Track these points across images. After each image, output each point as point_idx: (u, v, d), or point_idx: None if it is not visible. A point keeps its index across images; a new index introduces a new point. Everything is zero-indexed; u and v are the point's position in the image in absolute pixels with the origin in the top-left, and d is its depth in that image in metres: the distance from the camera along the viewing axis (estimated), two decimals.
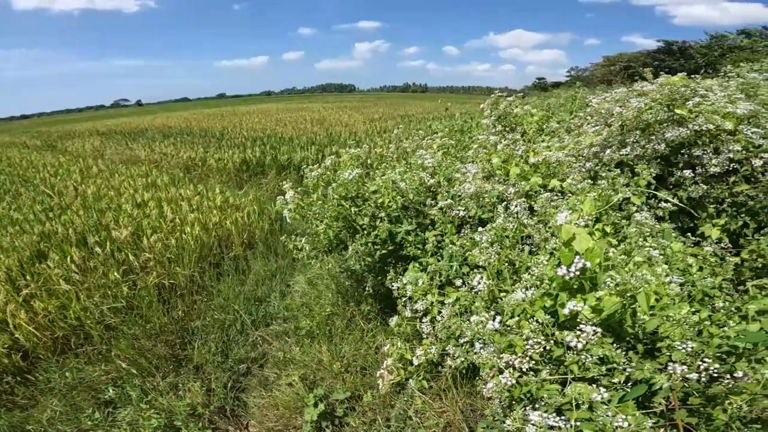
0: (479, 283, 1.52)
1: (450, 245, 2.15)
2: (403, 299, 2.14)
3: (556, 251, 1.13)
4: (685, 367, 1.01)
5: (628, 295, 0.97)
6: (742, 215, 1.99)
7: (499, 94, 3.60)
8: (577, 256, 0.99)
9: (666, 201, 2.05)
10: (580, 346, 1.00)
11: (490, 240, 1.65)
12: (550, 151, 2.72)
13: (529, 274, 1.18)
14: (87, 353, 3.13)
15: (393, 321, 2.19)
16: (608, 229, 1.96)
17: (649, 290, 0.94)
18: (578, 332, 1.03)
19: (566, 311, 1.07)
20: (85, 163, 9.39)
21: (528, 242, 1.99)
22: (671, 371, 1.02)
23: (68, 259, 3.91)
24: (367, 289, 2.82)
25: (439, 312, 1.98)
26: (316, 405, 2.49)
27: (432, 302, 2.08)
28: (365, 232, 2.37)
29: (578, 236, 1.01)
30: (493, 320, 1.12)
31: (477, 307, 1.40)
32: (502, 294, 1.45)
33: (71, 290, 3.46)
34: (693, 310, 1.43)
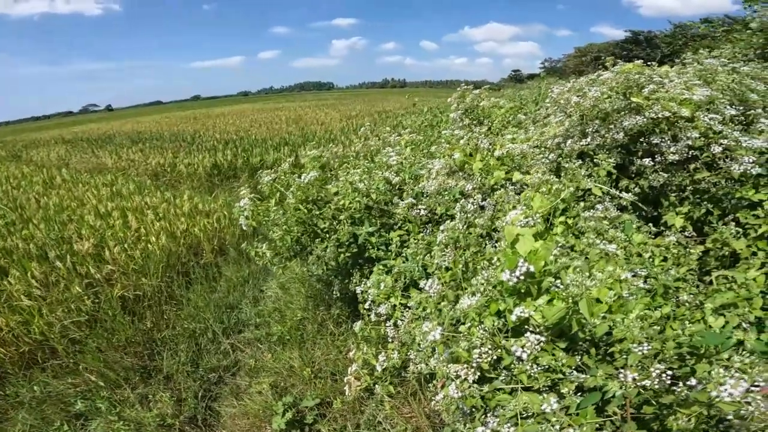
0: (431, 288, 1.45)
1: (413, 244, 2.08)
2: (366, 303, 2.06)
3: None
4: (636, 373, 0.96)
5: (571, 301, 0.91)
6: (705, 203, 1.97)
7: (465, 87, 3.54)
8: (521, 260, 0.93)
9: (627, 191, 2.03)
10: (524, 356, 0.94)
11: (445, 241, 1.58)
12: (515, 143, 2.68)
13: (478, 278, 1.11)
14: (54, 367, 3.08)
15: (357, 326, 2.11)
16: (570, 222, 1.93)
17: (590, 295, 0.88)
18: (523, 341, 0.97)
19: (514, 317, 1.00)
20: (49, 174, 8.97)
21: (494, 241, 1.94)
22: (623, 378, 0.97)
23: (29, 274, 3.77)
24: (334, 293, 2.73)
25: (402, 315, 1.91)
26: (284, 413, 2.43)
27: (395, 305, 2.01)
28: (327, 235, 2.28)
29: (522, 238, 0.94)
30: (439, 328, 1.04)
31: (429, 313, 1.33)
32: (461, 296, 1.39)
33: (33, 306, 3.37)
34: (655, 305, 1.40)
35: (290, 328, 3.27)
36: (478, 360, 1.08)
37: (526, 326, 1.05)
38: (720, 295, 1.30)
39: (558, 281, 0.99)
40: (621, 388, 0.95)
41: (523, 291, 1.02)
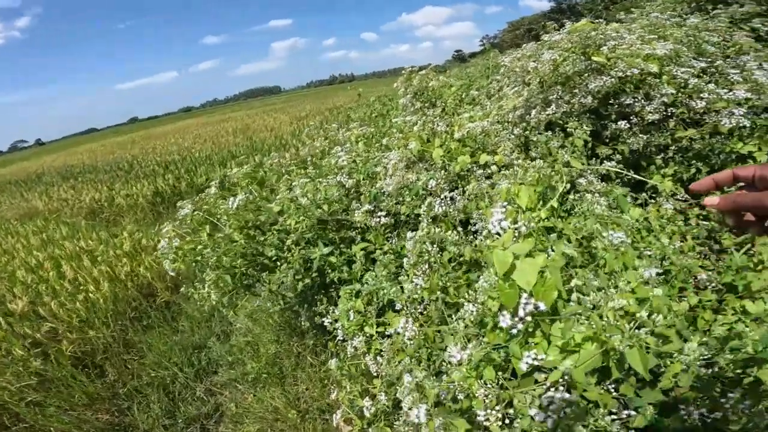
0: (405, 329, 1.14)
1: (380, 258, 1.76)
2: (338, 337, 1.73)
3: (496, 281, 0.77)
4: (697, 408, 0.69)
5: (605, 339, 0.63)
6: (692, 161, 1.79)
7: (410, 68, 3.23)
8: (525, 295, 0.63)
9: (608, 159, 1.80)
10: (550, 423, 0.65)
11: (413, 261, 1.27)
12: (474, 121, 2.41)
13: (460, 321, 0.82)
14: (23, 431, 2.86)
15: (333, 364, 1.78)
16: (555, 204, 1.68)
17: (641, 341, 0.60)
18: (546, 400, 0.67)
19: (523, 366, 0.71)
20: None
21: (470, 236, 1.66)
22: (684, 415, 0.70)
23: None
24: (302, 324, 2.38)
25: (382, 346, 1.60)
26: None
27: (372, 335, 1.69)
28: (276, 264, 1.91)
29: (520, 266, 0.65)
30: (423, 407, 0.74)
31: (407, 364, 1.02)
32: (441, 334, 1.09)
33: None
34: (676, 294, 1.17)
35: (266, 363, 2.99)
36: (485, 423, 0.79)
37: (543, 368, 0.77)
38: (750, 275, 1.07)
39: (578, 309, 0.70)
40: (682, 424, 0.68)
41: (531, 330, 0.73)
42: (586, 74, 2.02)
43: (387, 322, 1.66)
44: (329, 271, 1.88)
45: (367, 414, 1.61)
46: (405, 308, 1.23)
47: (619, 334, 0.60)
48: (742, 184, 0.52)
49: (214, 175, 7.61)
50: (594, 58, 1.92)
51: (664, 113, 1.88)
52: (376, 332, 1.67)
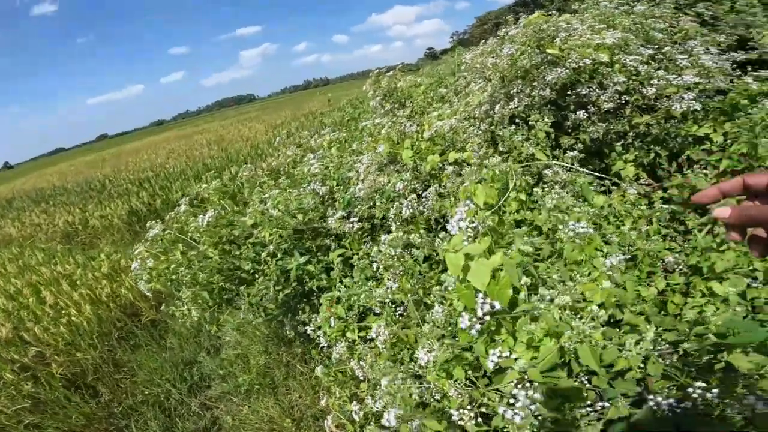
0: (378, 334, 1.15)
1: (356, 263, 1.77)
2: (321, 344, 1.74)
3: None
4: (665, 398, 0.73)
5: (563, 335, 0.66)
6: (651, 146, 1.86)
7: (378, 70, 3.24)
8: (480, 295, 0.65)
9: (571, 149, 1.86)
10: (518, 419, 0.67)
11: (383, 266, 1.28)
12: (443, 119, 2.44)
13: (429, 324, 0.84)
14: None
15: (319, 371, 1.78)
16: (523, 197, 1.72)
17: (589, 337, 0.63)
18: (510, 400, 0.70)
19: (491, 364, 0.73)
20: None
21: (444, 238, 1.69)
22: (653, 405, 0.74)
23: None
24: (287, 333, 2.37)
25: (365, 350, 1.61)
26: None
27: (354, 340, 1.70)
28: (254, 278, 1.90)
29: (474, 267, 0.67)
30: (392, 411, 0.75)
31: (382, 369, 1.03)
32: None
33: None
34: (645, 279, 1.21)
35: (257, 375, 3.00)
36: (459, 422, 0.81)
37: (510, 366, 0.79)
38: (714, 255, 1.12)
39: (538, 303, 0.73)
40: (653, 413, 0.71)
41: (494, 328, 0.75)
42: (543, 67, 2.07)
43: (369, 326, 1.67)
44: (308, 279, 1.88)
45: (356, 418, 1.62)
46: (381, 312, 1.24)
47: (569, 330, 0.63)
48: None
49: (190, 190, 7.46)
50: (548, 51, 1.97)
51: (619, 101, 1.95)
52: (358, 337, 1.69)
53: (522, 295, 0.76)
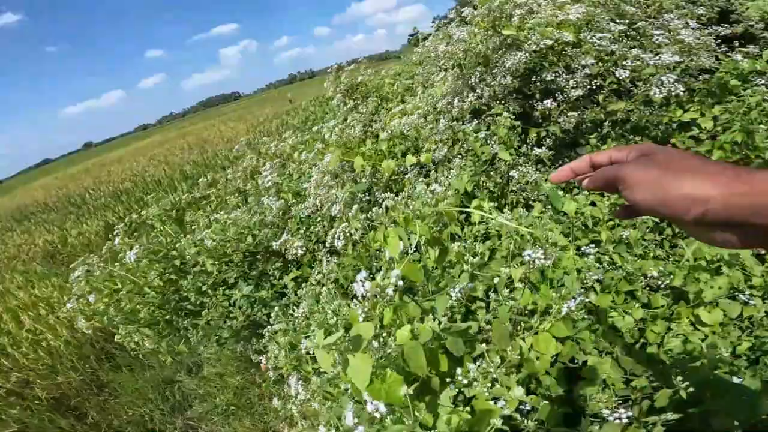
0: (297, 393, 0.99)
1: (308, 288, 1.59)
2: (270, 380, 1.58)
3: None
4: None
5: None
6: (631, 135, 1.67)
7: (337, 66, 3.02)
8: (366, 395, 0.48)
9: (539, 144, 1.68)
10: None
11: (305, 311, 1.10)
12: (405, 115, 2.25)
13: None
14: None
15: (275, 403, 1.63)
16: (483, 203, 1.54)
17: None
18: None
19: None
20: None
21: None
22: None
23: None
24: (252, 358, 2.21)
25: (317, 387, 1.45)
26: None
27: (306, 376, 1.53)
28: (200, 308, 1.72)
29: (353, 362, 0.49)
30: None
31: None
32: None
33: None
34: (622, 305, 1.04)
35: (234, 395, 2.92)
36: None
37: None
38: (702, 278, 0.95)
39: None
40: None
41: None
42: (502, 50, 1.86)
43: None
44: (257, 307, 1.71)
45: None
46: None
47: None
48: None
49: (165, 201, 7.23)
50: (504, 32, 1.76)
51: (590, 86, 1.76)
52: (312, 369, 1.53)
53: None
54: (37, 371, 3.65)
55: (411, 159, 1.85)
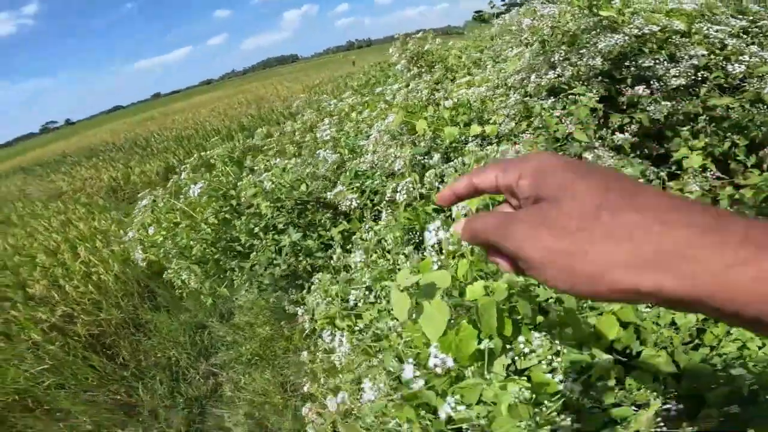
0: (341, 344, 0.99)
1: (359, 241, 1.60)
2: (305, 332, 1.62)
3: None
4: None
5: None
6: (728, 133, 1.50)
7: (405, 33, 2.94)
8: (433, 347, 0.46)
9: (621, 130, 1.54)
10: None
11: (362, 259, 1.09)
12: (472, 86, 2.15)
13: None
14: (46, 413, 2.91)
15: (303, 356, 1.68)
16: None
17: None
18: None
19: (442, 415, 0.54)
20: (5, 212, 8.32)
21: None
22: None
23: None
24: (287, 309, 2.28)
25: (350, 342, 1.47)
26: None
27: (343, 329, 1.56)
28: (249, 251, 1.79)
29: (428, 310, 0.47)
30: None
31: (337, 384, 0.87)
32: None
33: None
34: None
35: (260, 346, 2.98)
36: None
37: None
38: None
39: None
40: None
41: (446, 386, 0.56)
42: (596, 32, 1.72)
43: (359, 315, 1.53)
44: (302, 257, 1.74)
45: (333, 410, 1.52)
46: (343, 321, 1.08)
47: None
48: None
49: (226, 146, 7.53)
50: (602, 13, 1.63)
51: (694, 78, 1.59)
52: (347, 326, 1.55)
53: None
54: (83, 306, 3.73)
55: (475, 128, 1.77)
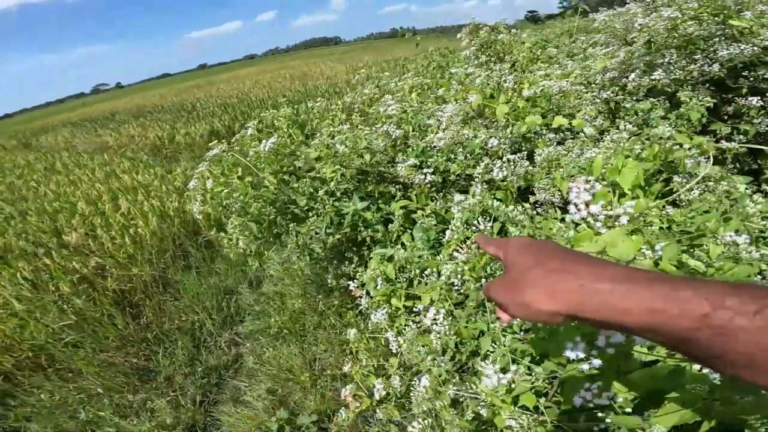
0: (434, 322, 0.93)
1: (422, 219, 1.54)
2: (359, 308, 1.57)
3: None
4: None
5: None
6: None
7: (475, 19, 2.83)
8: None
9: (728, 139, 1.42)
10: None
11: (456, 232, 1.02)
12: (550, 79, 2.03)
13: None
14: (58, 372, 2.83)
15: (351, 335, 1.64)
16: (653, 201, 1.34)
17: None
18: None
19: (578, 401, 0.47)
20: (51, 160, 8.66)
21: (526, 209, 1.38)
22: None
23: (18, 275, 3.45)
24: (329, 282, 2.25)
25: (407, 323, 1.42)
26: (279, 430, 2.07)
27: (398, 308, 1.51)
28: (307, 215, 1.76)
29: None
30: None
31: (427, 365, 0.81)
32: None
33: (22, 310, 3.08)
34: None
35: (289, 318, 2.87)
36: None
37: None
38: None
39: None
40: None
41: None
42: (717, 39, 1.60)
43: (418, 296, 1.47)
44: (362, 228, 1.70)
45: (376, 396, 1.47)
46: (438, 296, 1.02)
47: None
48: None
49: (267, 117, 7.60)
50: (732, 22, 1.52)
51: None
52: (404, 306, 1.49)
53: None
54: (117, 258, 3.68)
55: (560, 120, 1.67)
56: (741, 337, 0.28)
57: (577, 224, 0.71)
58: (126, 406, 2.53)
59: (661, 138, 1.24)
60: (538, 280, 0.40)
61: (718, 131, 1.55)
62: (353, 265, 1.91)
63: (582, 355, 0.49)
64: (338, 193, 1.78)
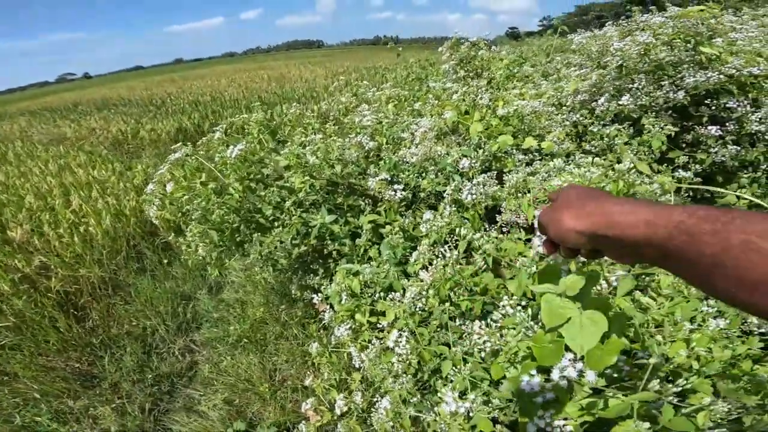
0: (397, 344, 0.90)
1: (390, 235, 1.50)
2: (322, 321, 1.52)
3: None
4: None
5: None
6: None
7: (457, 33, 2.86)
8: (568, 356, 0.39)
9: (684, 168, 1.47)
10: None
11: (422, 254, 1.00)
12: (524, 99, 2.07)
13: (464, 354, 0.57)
14: None
15: (313, 349, 1.58)
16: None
17: None
18: None
19: (531, 429, 0.46)
20: (1, 149, 8.03)
21: (493, 227, 1.37)
22: None
23: None
24: (293, 293, 2.18)
25: (371, 339, 1.38)
26: None
27: (362, 324, 1.46)
28: (272, 225, 1.69)
29: (579, 321, 0.40)
30: None
31: (387, 388, 0.78)
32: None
33: None
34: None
35: (250, 327, 2.76)
36: None
37: None
38: None
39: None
40: None
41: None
42: (686, 66, 1.67)
43: (382, 313, 1.43)
44: (329, 241, 1.64)
45: (338, 411, 1.41)
46: (401, 318, 0.98)
47: None
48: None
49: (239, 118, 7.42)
50: (702, 49, 1.58)
51: None
52: (368, 321, 1.45)
53: None
54: (63, 258, 3.44)
55: (530, 141, 1.69)
56: (706, 240, 0.33)
57: (542, 257, 0.70)
58: (66, 412, 2.37)
59: (625, 174, 1.27)
60: (573, 203, 0.48)
61: (676, 159, 1.60)
62: (318, 278, 1.85)
63: (537, 389, 0.48)
64: (306, 204, 1.72)
